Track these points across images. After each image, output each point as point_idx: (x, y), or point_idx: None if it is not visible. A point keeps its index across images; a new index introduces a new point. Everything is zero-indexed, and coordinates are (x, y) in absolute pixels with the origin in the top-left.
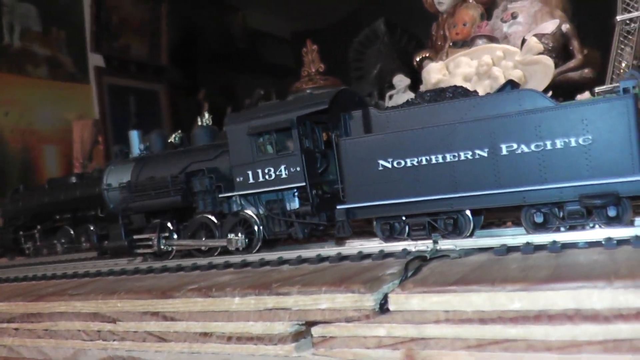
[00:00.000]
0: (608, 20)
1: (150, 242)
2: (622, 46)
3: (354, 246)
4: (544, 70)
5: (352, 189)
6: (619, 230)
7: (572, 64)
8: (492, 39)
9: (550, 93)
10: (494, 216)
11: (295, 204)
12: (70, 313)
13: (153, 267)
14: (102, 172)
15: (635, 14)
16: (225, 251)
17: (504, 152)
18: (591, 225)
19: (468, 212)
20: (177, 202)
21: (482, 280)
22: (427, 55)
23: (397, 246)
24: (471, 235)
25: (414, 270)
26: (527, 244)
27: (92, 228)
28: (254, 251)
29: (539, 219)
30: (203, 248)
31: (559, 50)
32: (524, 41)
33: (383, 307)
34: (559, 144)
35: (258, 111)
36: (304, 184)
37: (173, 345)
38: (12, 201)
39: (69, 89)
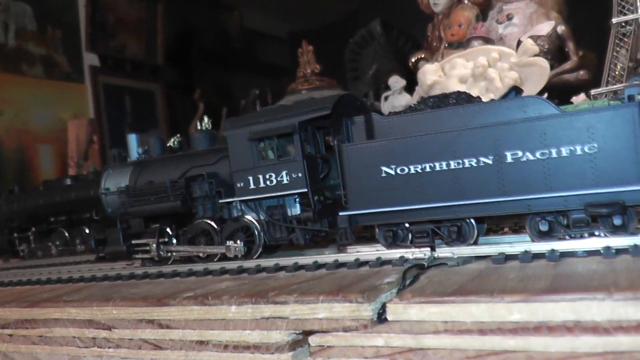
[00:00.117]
0: (604, 22)
1: (148, 248)
2: (618, 48)
3: (351, 253)
4: (540, 72)
5: (355, 195)
6: (618, 240)
7: (567, 65)
8: (487, 40)
9: (545, 95)
10: (491, 223)
11: (296, 210)
12: (65, 320)
13: (149, 273)
14: (97, 175)
15: (630, 16)
16: (225, 257)
17: (509, 159)
18: (596, 233)
19: (472, 220)
20: (176, 208)
21: (480, 291)
22: (423, 56)
23: (394, 253)
24: (475, 243)
25: (411, 278)
26: (525, 252)
27: (87, 231)
28: (255, 257)
29: (544, 227)
30: (201, 255)
31: (555, 52)
32: (519, 43)
33: (381, 317)
34: (564, 152)
35: (259, 116)
36: (305, 190)
37: (169, 353)
38: (6, 202)
39: (64, 88)
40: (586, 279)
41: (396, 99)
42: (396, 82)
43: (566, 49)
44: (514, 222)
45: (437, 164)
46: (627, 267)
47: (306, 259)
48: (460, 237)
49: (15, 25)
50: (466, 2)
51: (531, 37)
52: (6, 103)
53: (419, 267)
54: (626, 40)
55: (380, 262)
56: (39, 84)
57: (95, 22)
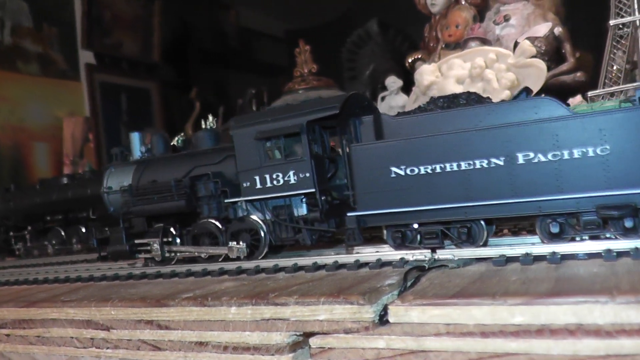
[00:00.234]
0: (601, 24)
1: (151, 247)
2: (615, 50)
3: (351, 254)
4: (537, 74)
5: (364, 195)
6: (618, 243)
7: (564, 67)
8: (484, 41)
9: (542, 96)
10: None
11: (303, 210)
12: (63, 320)
13: (147, 273)
14: (94, 174)
15: (627, 18)
16: (227, 257)
17: (521, 160)
18: (607, 235)
19: (482, 221)
20: (181, 207)
21: (482, 293)
22: (420, 56)
23: (394, 255)
24: (485, 245)
25: (412, 280)
26: (526, 254)
27: (83, 230)
28: (260, 257)
29: (554, 229)
30: (203, 255)
31: (552, 53)
32: (516, 44)
33: (382, 319)
34: (576, 153)
35: (266, 115)
36: (313, 190)
37: (167, 354)
38: (2, 201)
39: (60, 86)
40: (588, 282)
41: (393, 99)
42: (393, 82)
43: (563, 51)
44: (513, 225)
45: (447, 165)
46: (628, 270)
47: (305, 260)
48: (469, 239)
49: (11, 22)
50: (463, 2)
51: (528, 38)
52: (1, 100)
53: (420, 269)
54: (623, 42)
55: (381, 264)
56: (34, 81)
57: (91, 20)
